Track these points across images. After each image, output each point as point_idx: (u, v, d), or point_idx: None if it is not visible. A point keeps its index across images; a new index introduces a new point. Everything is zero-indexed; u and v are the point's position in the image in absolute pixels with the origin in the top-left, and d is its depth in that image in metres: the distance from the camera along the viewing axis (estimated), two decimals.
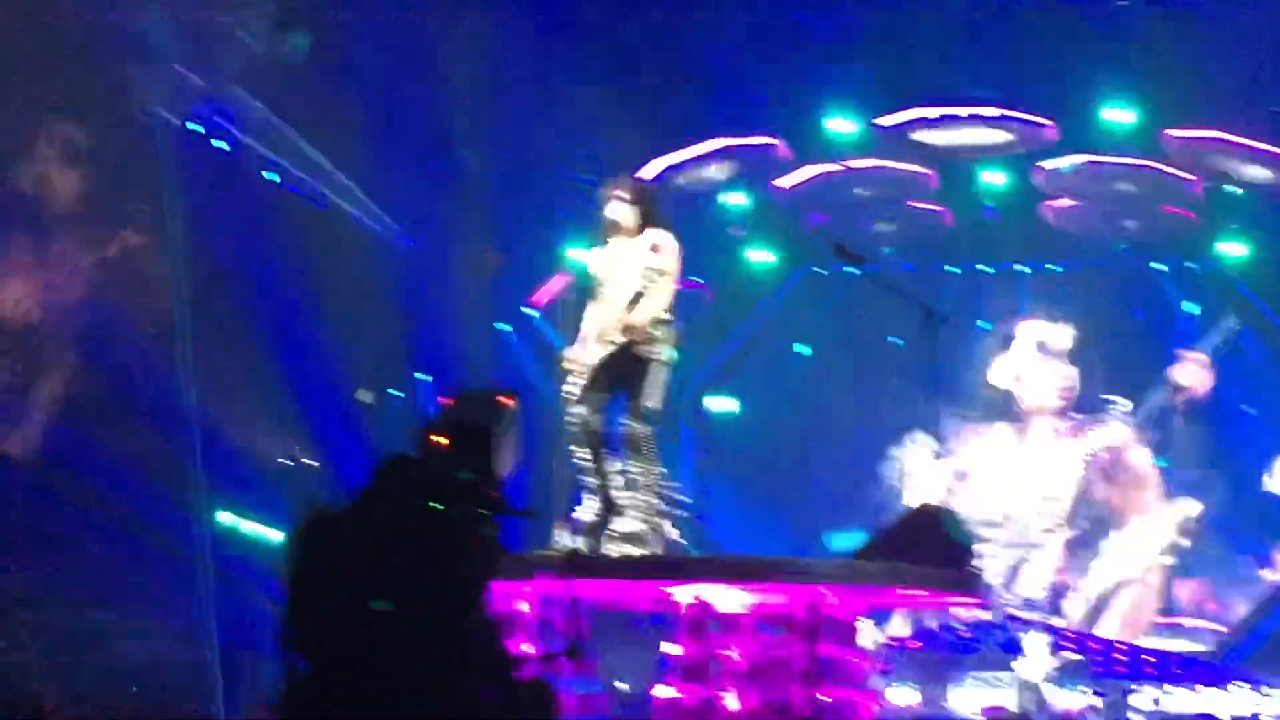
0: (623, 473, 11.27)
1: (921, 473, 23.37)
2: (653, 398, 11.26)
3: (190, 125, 19.64)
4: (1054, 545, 22.60)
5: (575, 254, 11.68)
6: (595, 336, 11.32)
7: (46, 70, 18.20)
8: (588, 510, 11.24)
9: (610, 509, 11.21)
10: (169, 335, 20.39)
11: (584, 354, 11.32)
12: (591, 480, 11.28)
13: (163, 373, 20.51)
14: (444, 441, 7.77)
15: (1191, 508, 22.37)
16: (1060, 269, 23.92)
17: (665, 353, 11.29)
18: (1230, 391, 23.16)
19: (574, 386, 11.28)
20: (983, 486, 23.59)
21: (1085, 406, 23.66)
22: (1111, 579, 22.50)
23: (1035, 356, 23.78)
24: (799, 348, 24.50)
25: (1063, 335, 23.65)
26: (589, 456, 11.27)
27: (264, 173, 20.77)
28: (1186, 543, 22.38)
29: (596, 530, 11.11)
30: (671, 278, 11.26)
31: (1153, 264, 23.44)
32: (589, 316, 11.50)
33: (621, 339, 11.16)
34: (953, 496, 22.97)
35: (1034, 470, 23.59)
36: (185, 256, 20.14)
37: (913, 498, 22.72)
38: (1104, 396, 23.47)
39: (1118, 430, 23.17)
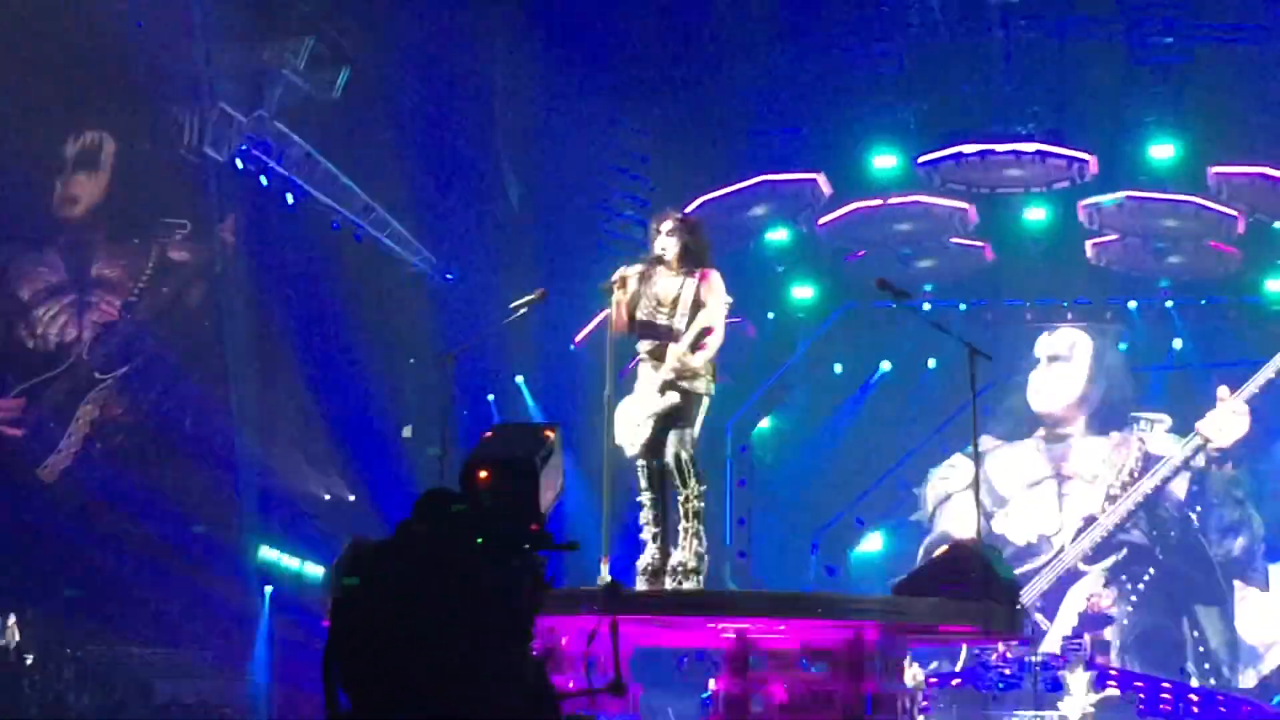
0: (674, 505, 11.29)
1: (960, 497, 23.48)
2: (695, 428, 11.30)
3: (236, 162, 19.76)
4: (1095, 571, 22.51)
5: (630, 278, 11.58)
6: (650, 380, 11.32)
7: (97, 108, 18.36)
8: (649, 552, 11.25)
9: (667, 545, 11.23)
10: (213, 371, 20.49)
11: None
12: (650, 519, 11.28)
13: (207, 409, 20.62)
14: (485, 475, 7.76)
15: None
16: (1103, 304, 23.85)
17: (706, 385, 11.30)
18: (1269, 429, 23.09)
19: (627, 437, 11.29)
20: (1022, 511, 23.61)
21: (1119, 423, 23.74)
22: None
23: (1052, 369, 23.87)
24: (840, 380, 24.47)
25: (1078, 347, 23.71)
26: (649, 495, 11.27)
27: (308, 208, 20.88)
28: None
29: (658, 569, 11.13)
30: (722, 319, 11.25)
31: (1196, 299, 23.32)
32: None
33: (670, 376, 11.17)
34: (992, 521, 22.98)
35: (1073, 494, 23.59)
36: (230, 292, 20.26)
37: (952, 524, 22.77)
38: (1140, 414, 23.44)
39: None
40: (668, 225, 11.45)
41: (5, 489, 19.36)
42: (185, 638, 20.60)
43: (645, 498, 11.36)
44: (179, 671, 20.32)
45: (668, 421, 11.30)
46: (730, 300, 11.44)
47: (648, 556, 11.28)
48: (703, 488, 11.27)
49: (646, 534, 11.36)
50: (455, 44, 20.85)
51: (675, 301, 11.31)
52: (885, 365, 24.17)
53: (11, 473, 19.87)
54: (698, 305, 11.27)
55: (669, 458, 11.25)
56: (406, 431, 22.41)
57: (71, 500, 20.02)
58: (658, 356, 11.27)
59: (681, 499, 11.21)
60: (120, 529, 19.33)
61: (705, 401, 11.39)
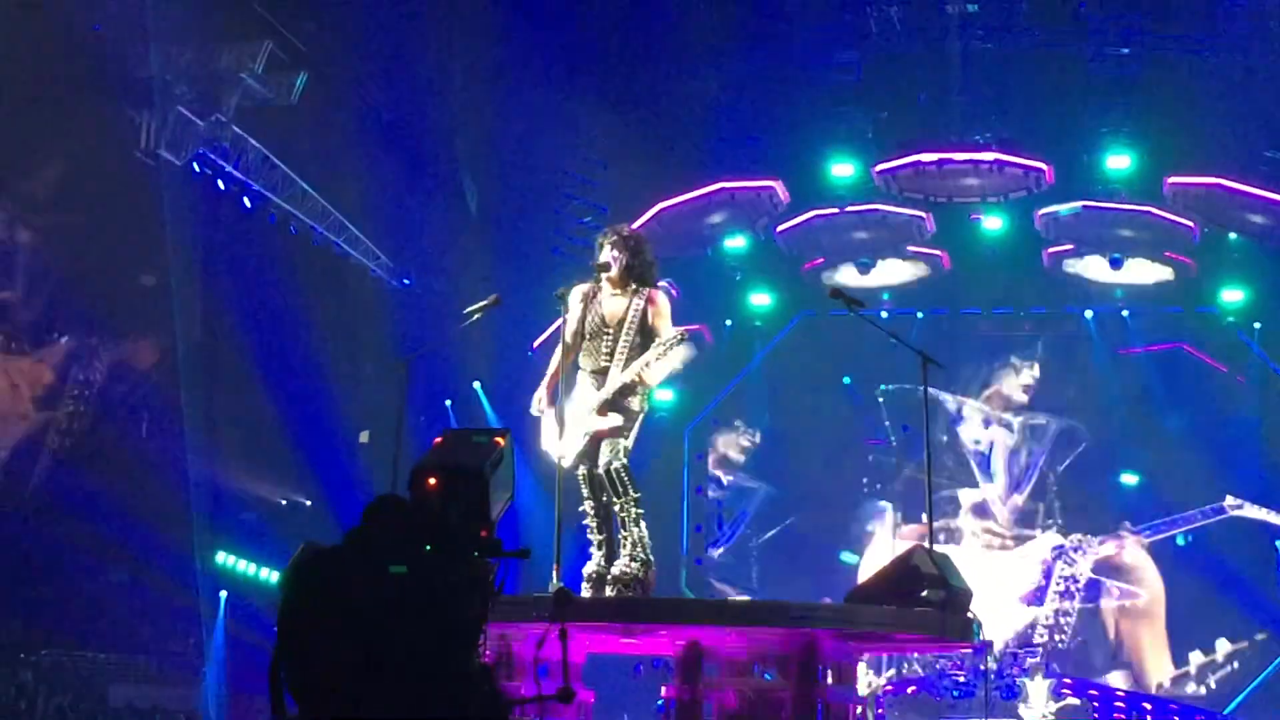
0: (616, 513, 11.28)
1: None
2: (630, 439, 11.28)
3: (193, 165, 19.68)
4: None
5: (574, 296, 11.56)
6: (590, 396, 11.27)
7: (54, 113, 18.24)
8: (595, 559, 11.24)
9: (611, 552, 11.22)
10: (167, 375, 20.41)
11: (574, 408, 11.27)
12: (594, 527, 11.28)
13: (162, 413, 20.53)
14: (434, 481, 7.74)
15: None
16: (1056, 313, 23.92)
17: (640, 403, 11.27)
18: None
19: (559, 446, 11.25)
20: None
21: None
22: None
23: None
24: (795, 389, 24.45)
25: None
26: (590, 503, 11.26)
27: (265, 213, 20.82)
28: None
29: (602, 577, 11.11)
30: (674, 338, 11.19)
31: (1152, 309, 23.44)
32: (580, 357, 11.43)
33: (609, 396, 11.15)
34: None
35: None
36: (185, 296, 20.18)
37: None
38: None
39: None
40: (612, 240, 11.44)
41: None
42: (140, 643, 20.53)
43: (588, 505, 11.38)
44: (133, 676, 20.28)
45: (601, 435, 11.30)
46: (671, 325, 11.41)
47: (593, 564, 11.31)
48: (637, 495, 11.26)
49: (593, 540, 11.40)
50: (414, 50, 20.82)
51: (621, 323, 11.29)
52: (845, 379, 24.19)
53: None
54: (645, 328, 11.25)
55: (601, 469, 11.24)
56: (363, 436, 22.36)
57: (25, 504, 19.91)
58: (599, 374, 11.27)
59: (618, 509, 11.22)
60: (74, 533, 19.23)
61: (640, 417, 11.40)
